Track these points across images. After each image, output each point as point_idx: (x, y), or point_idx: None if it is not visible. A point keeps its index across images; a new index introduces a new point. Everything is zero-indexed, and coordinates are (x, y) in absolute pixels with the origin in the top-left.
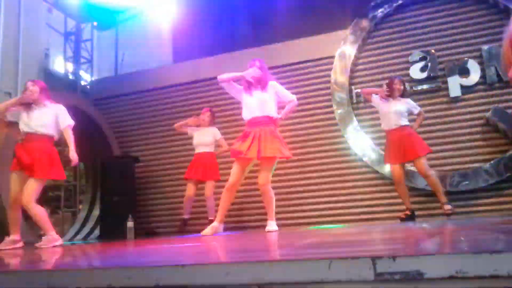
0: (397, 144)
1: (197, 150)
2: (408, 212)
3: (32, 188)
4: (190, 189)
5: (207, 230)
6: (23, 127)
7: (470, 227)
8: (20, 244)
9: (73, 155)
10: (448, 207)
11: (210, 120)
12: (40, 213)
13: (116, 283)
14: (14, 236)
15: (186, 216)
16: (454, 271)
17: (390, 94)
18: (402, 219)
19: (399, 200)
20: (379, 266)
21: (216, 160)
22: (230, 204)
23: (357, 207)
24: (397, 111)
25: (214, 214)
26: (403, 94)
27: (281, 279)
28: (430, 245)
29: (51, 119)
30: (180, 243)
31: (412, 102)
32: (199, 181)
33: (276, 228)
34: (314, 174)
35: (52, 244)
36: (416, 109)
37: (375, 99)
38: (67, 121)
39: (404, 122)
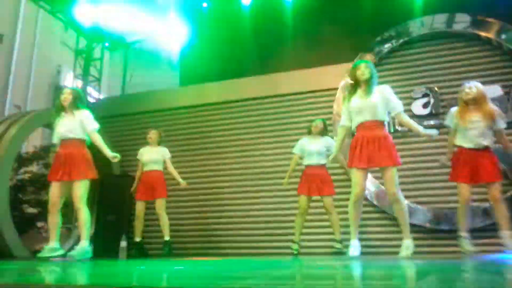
0: (311, 180)
1: (146, 168)
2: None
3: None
4: (139, 209)
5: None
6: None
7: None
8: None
9: (109, 154)
10: (339, 245)
11: (157, 138)
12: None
13: None
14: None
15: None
16: None
17: (310, 132)
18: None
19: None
20: None
21: (164, 178)
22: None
23: None
24: (316, 150)
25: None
26: (323, 133)
27: None
28: None
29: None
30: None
31: (330, 140)
32: (149, 200)
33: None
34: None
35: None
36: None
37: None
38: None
39: (322, 161)
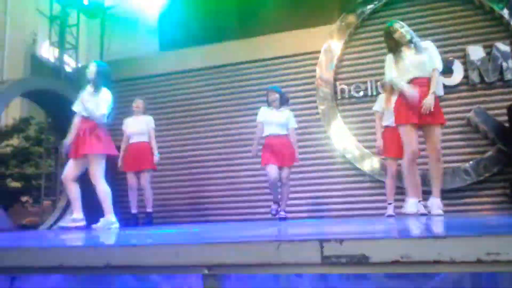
0: (274, 149)
1: (132, 140)
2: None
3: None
4: (132, 180)
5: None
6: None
7: (431, 221)
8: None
9: None
10: (283, 213)
11: (144, 107)
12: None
13: (68, 262)
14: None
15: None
16: (399, 255)
17: (269, 105)
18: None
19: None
20: (326, 249)
21: (152, 149)
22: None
23: (336, 203)
24: (277, 122)
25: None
26: (282, 103)
27: (228, 261)
28: (378, 232)
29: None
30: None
31: (291, 116)
32: (137, 171)
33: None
34: (295, 169)
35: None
36: (292, 125)
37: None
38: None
39: (283, 131)
